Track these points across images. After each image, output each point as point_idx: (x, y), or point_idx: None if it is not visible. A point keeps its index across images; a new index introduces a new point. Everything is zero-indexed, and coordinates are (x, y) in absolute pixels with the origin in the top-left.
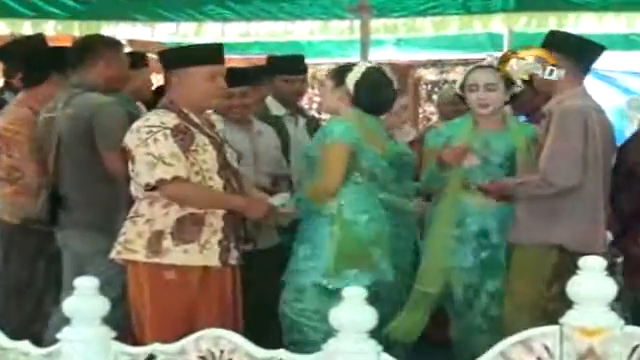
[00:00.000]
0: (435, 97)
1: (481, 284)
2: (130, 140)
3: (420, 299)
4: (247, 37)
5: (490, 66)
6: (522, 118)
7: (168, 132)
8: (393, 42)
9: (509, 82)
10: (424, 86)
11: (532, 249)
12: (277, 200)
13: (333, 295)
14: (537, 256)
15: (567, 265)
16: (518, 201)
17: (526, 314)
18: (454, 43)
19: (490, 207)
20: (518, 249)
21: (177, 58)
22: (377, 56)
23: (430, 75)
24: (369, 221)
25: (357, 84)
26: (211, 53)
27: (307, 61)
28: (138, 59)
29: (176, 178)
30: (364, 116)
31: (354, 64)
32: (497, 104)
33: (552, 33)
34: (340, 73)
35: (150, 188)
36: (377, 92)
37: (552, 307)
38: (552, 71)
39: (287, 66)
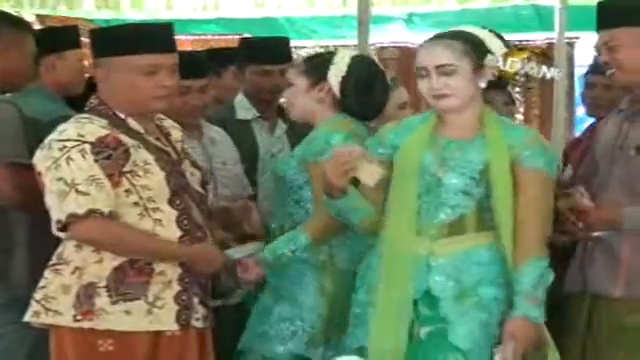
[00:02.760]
0: None
1: None
2: (40, 160)
3: None
4: (204, 12)
5: (449, 36)
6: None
7: (87, 148)
8: (403, 19)
9: (482, 55)
10: None
11: None
12: (237, 252)
13: None
14: None
15: None
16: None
17: None
18: (485, 20)
19: (460, 256)
20: (629, 307)
21: (101, 43)
22: (381, 37)
23: None
24: (367, 269)
25: (344, 81)
26: (152, 36)
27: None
28: (65, 36)
29: (91, 212)
30: (353, 123)
31: (331, 54)
32: (462, 94)
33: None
34: (318, 67)
35: (62, 227)
36: (370, 91)
37: None
38: (543, 69)
39: (267, 52)
